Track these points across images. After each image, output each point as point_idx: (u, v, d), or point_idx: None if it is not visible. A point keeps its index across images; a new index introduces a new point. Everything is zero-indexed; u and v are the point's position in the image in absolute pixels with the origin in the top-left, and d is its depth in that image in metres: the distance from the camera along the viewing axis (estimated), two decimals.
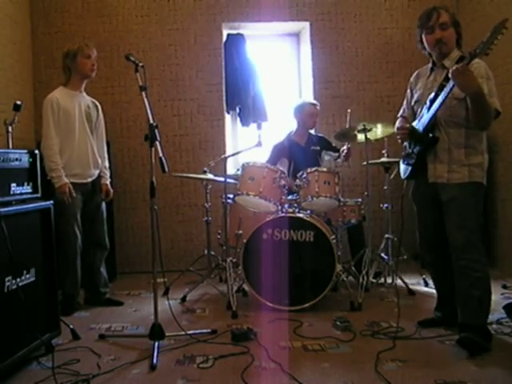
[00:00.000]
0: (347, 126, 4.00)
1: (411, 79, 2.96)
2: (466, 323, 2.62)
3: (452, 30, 2.66)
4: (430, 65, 2.81)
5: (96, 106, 3.69)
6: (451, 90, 2.48)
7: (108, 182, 3.72)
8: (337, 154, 4.26)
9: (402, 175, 2.96)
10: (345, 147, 4.10)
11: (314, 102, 4.35)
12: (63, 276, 3.41)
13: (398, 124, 2.96)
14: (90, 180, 3.57)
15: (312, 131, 4.41)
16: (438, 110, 2.60)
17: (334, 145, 4.35)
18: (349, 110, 4.11)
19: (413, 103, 2.91)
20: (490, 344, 2.59)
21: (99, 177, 3.65)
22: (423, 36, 2.72)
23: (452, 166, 2.65)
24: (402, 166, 2.95)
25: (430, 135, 2.67)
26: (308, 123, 4.25)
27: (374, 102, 5.04)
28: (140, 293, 4.05)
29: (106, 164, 3.75)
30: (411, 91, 2.95)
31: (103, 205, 3.69)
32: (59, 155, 3.39)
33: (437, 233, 2.79)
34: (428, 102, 2.68)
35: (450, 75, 2.44)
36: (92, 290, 3.68)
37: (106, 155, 3.78)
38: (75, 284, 3.52)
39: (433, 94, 2.66)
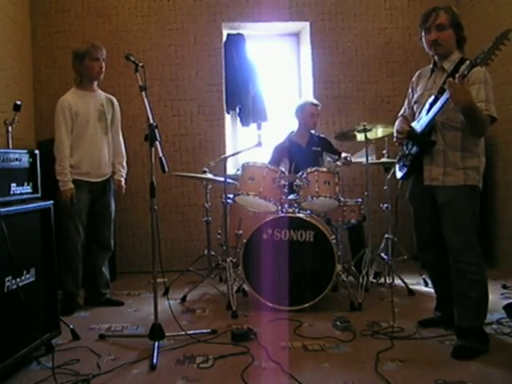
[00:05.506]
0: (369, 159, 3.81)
1: (413, 79, 2.95)
2: (463, 327, 2.62)
3: (450, 31, 2.63)
4: (431, 65, 2.80)
5: (111, 102, 3.67)
6: (448, 98, 2.46)
7: (121, 178, 3.67)
8: (337, 157, 4.23)
9: (398, 176, 2.96)
10: (345, 155, 4.09)
11: (316, 102, 4.30)
12: (63, 274, 3.41)
13: (397, 125, 2.94)
14: (100, 180, 3.56)
15: (313, 131, 4.39)
16: (436, 114, 2.57)
17: (335, 147, 4.33)
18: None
19: (412, 103, 2.90)
20: (487, 346, 2.59)
21: (112, 176, 3.63)
22: (422, 36, 2.72)
23: (447, 168, 2.63)
24: (398, 167, 2.94)
25: (427, 139, 2.66)
26: (309, 123, 4.22)
27: (373, 102, 5.04)
28: (140, 293, 4.05)
29: (122, 161, 3.70)
30: (412, 91, 2.93)
31: (113, 206, 3.67)
32: (69, 158, 3.42)
33: (434, 233, 2.78)
34: (428, 105, 2.66)
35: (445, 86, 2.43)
36: (93, 289, 3.68)
37: (123, 150, 3.73)
38: (75, 282, 3.52)
39: (433, 97, 2.64)
